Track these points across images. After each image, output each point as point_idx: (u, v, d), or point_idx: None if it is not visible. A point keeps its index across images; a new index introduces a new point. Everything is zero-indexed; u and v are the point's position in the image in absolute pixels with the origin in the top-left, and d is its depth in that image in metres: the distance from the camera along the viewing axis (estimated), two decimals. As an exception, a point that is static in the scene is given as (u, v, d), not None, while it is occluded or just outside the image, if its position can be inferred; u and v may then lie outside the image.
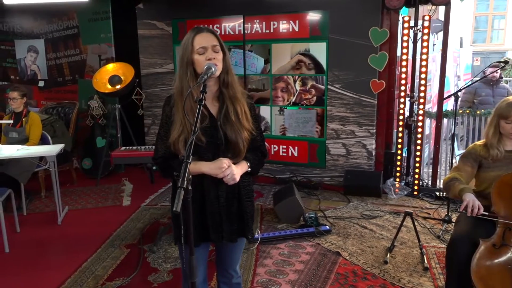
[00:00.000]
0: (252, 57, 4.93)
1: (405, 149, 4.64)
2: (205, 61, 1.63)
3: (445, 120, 4.82)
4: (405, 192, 4.48)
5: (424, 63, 4.25)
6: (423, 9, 4.60)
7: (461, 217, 2.46)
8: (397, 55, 4.49)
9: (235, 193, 1.75)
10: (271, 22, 4.80)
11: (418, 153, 4.46)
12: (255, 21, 4.86)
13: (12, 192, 3.58)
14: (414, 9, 4.29)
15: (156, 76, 5.47)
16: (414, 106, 4.48)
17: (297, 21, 4.69)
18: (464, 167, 2.45)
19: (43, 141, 4.39)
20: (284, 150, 5.02)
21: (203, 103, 1.48)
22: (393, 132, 4.66)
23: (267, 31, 4.83)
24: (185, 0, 5.10)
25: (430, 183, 4.70)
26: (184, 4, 5.12)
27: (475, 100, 5.51)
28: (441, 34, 5.23)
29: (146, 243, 3.41)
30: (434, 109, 5.79)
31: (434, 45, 6.33)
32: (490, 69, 5.52)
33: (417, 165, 4.47)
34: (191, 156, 1.36)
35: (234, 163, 1.69)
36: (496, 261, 2.11)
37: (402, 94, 4.43)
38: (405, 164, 4.65)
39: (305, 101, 4.80)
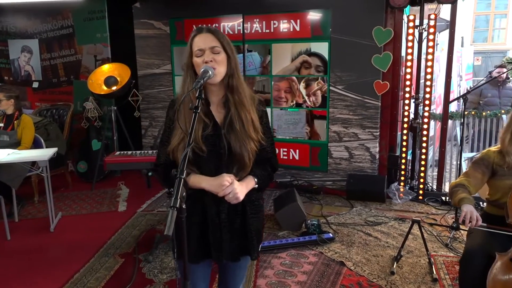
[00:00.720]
0: (247, 55, 4.78)
1: (409, 152, 4.50)
2: (202, 64, 1.49)
3: (449, 122, 4.69)
4: (410, 197, 4.34)
5: (429, 63, 4.11)
6: (426, 8, 4.46)
7: (474, 229, 2.31)
8: (401, 55, 4.35)
9: (238, 209, 1.59)
10: (272, 22, 4.65)
11: (423, 156, 4.31)
12: (255, 20, 4.71)
13: (2, 198, 3.44)
14: (419, 7, 4.15)
15: (153, 77, 5.32)
16: (419, 108, 4.34)
17: (298, 21, 4.55)
18: (474, 173, 2.31)
19: (35, 144, 4.25)
20: (285, 153, 4.88)
21: (198, 111, 1.34)
22: (397, 135, 4.52)
23: (267, 30, 4.69)
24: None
25: (435, 188, 4.56)
26: (182, 3, 4.97)
27: (480, 101, 5.38)
28: (443, 33, 5.13)
29: (142, 252, 3.26)
30: (438, 111, 5.66)
31: (437, 44, 6.20)
32: (497, 70, 5.38)
33: (422, 168, 4.33)
34: (185, 171, 1.21)
35: (239, 179, 1.55)
36: (513, 276, 1.97)
37: (407, 95, 4.28)
38: (410, 167, 4.51)
39: (309, 104, 4.66)
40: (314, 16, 4.46)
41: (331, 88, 4.53)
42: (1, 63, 5.83)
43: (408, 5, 4.10)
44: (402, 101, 4.39)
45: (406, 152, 4.40)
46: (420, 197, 4.35)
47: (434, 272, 2.86)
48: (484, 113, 5.02)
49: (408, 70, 4.22)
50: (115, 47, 5.34)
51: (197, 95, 1.37)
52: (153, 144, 5.46)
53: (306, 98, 4.65)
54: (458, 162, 4.28)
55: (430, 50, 4.09)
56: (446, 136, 4.46)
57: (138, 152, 3.32)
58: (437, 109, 5.81)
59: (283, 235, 3.55)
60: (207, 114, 1.56)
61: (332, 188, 4.68)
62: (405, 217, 3.89)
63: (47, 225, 3.75)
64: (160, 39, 5.18)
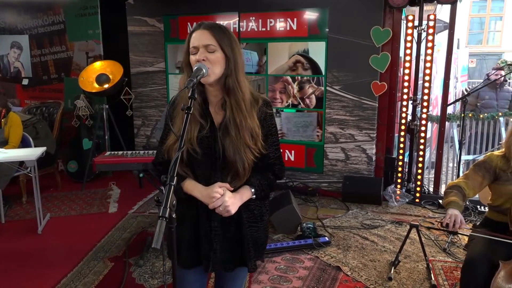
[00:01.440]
0: (246, 52, 4.68)
1: (406, 154, 4.43)
2: (196, 62, 1.40)
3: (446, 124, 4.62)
4: (407, 200, 4.27)
5: (428, 64, 4.04)
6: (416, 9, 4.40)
7: (475, 235, 2.24)
8: (399, 56, 4.28)
9: (233, 217, 1.48)
10: (268, 20, 4.56)
11: (420, 159, 4.25)
12: (250, 18, 4.62)
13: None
14: (415, 8, 4.08)
15: (146, 75, 5.21)
16: (416, 110, 4.28)
17: (295, 19, 4.46)
18: (474, 176, 2.25)
19: (24, 143, 4.13)
20: (280, 154, 4.79)
21: (190, 112, 1.24)
22: (394, 137, 4.45)
23: (264, 29, 4.60)
24: (177, -4, 4.85)
25: (432, 190, 4.50)
26: (176, 0, 4.87)
27: (478, 104, 5.33)
28: (440, 34, 5.06)
29: (132, 256, 3.16)
30: (434, 112, 5.61)
31: (434, 45, 6.14)
32: (495, 72, 5.33)
33: (419, 171, 4.27)
34: (175, 178, 1.11)
35: (234, 188, 1.45)
36: (518, 286, 1.90)
37: (405, 97, 4.21)
38: (407, 170, 4.44)
39: (304, 105, 4.58)
40: (311, 15, 4.38)
41: (327, 88, 4.45)
42: (-10, 59, 5.69)
43: (407, 5, 4.02)
44: (400, 103, 4.32)
45: (403, 154, 4.33)
46: (417, 200, 4.29)
47: (433, 278, 2.78)
48: (481, 116, 4.97)
49: (407, 71, 4.15)
50: (108, 44, 5.23)
51: (189, 94, 1.27)
52: (145, 144, 5.35)
53: (300, 101, 4.57)
54: (457, 165, 4.21)
55: (429, 51, 4.02)
56: (443, 138, 4.41)
57: (129, 152, 3.21)
58: (433, 111, 5.76)
59: (277, 239, 3.46)
60: (204, 114, 1.47)
61: (328, 190, 4.60)
62: (402, 221, 3.82)
63: (35, 227, 3.63)
64: (153, 36, 5.07)
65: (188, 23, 4.86)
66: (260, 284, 2.77)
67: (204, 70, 1.34)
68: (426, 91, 4.11)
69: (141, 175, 2.96)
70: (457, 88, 8.42)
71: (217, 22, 4.83)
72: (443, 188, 4.73)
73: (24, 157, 3.51)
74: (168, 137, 1.50)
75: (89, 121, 5.07)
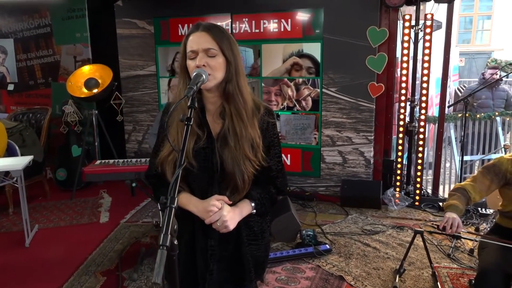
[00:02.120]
0: (241, 50, 4.55)
1: (405, 156, 4.35)
2: (195, 67, 1.28)
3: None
4: (406, 203, 4.18)
5: (426, 64, 3.96)
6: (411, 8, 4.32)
7: (486, 243, 2.15)
8: (396, 56, 4.19)
9: (232, 234, 1.35)
10: (261, 21, 4.45)
11: (419, 161, 4.17)
12: (243, 20, 4.50)
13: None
14: (415, 7, 4.00)
15: (137, 79, 5.06)
16: (415, 111, 4.20)
17: (289, 20, 4.35)
18: (482, 179, 2.17)
19: (9, 152, 3.96)
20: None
21: (191, 122, 1.12)
22: (391, 139, 4.37)
23: (257, 30, 4.48)
24: (167, -3, 4.71)
25: (431, 192, 4.43)
26: (167, 1, 4.73)
27: (474, 103, 5.27)
28: (434, 34, 5.00)
29: (126, 269, 3.02)
30: (430, 113, 5.54)
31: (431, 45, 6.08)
32: (490, 71, 5.29)
33: (418, 173, 4.19)
34: (176, 200, 0.99)
35: (233, 202, 1.33)
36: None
37: (403, 98, 4.13)
38: (405, 172, 4.35)
39: (299, 107, 4.47)
40: (305, 15, 4.28)
41: (323, 90, 4.34)
42: (-27, 64, 5.49)
43: (404, 5, 3.93)
44: (397, 104, 4.24)
45: (402, 157, 4.24)
46: (416, 203, 4.20)
47: (439, 286, 2.69)
48: (478, 115, 4.91)
49: (404, 71, 4.06)
50: (96, 47, 5.07)
51: (189, 103, 1.14)
52: (137, 149, 5.20)
53: (295, 103, 4.47)
54: (459, 166, 4.13)
55: (427, 51, 3.94)
56: (442, 139, 4.34)
57: (120, 161, 3.06)
58: (429, 111, 5.69)
59: (277, 247, 3.34)
60: (201, 123, 1.36)
61: (325, 195, 4.50)
62: (403, 225, 3.73)
63: (22, 239, 3.47)
64: (144, 39, 4.93)
65: (179, 25, 4.72)
66: (261, 297, 2.65)
67: (204, 76, 1.22)
68: (424, 91, 4.03)
69: (133, 184, 2.82)
70: (450, 87, 8.40)
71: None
72: (441, 190, 4.66)
73: (9, 167, 3.35)
74: (162, 148, 1.38)
75: (78, 127, 4.91)
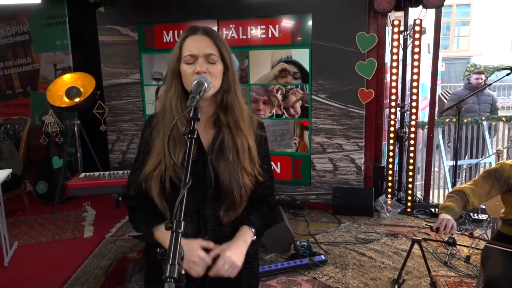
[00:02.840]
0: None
1: (395, 162, 4.31)
2: (193, 74, 1.17)
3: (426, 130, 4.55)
4: (399, 210, 4.14)
5: (415, 70, 3.95)
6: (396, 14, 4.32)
7: (491, 252, 2.09)
8: (385, 61, 4.17)
9: None
10: (248, 27, 4.37)
11: (410, 167, 4.13)
12: (230, 26, 4.42)
13: None
14: (403, 12, 3.99)
15: (120, 87, 4.91)
16: (405, 117, 4.17)
17: (276, 26, 4.29)
18: (482, 183, 2.12)
19: (-14, 165, 3.75)
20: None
21: (195, 136, 1.01)
22: (382, 145, 4.33)
23: (244, 36, 4.40)
24: (152, 3, 4.59)
25: (420, 197, 4.39)
26: (151, 7, 4.60)
27: (462, 108, 5.27)
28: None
29: (113, 287, 2.86)
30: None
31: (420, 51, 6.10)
32: (475, 76, 5.33)
33: (410, 179, 4.15)
34: (182, 223, 0.88)
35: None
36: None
37: (393, 103, 4.10)
38: (397, 178, 4.31)
39: (288, 115, 4.39)
40: (293, 21, 4.22)
41: (313, 97, 4.28)
42: None
43: (392, 10, 3.91)
44: (388, 110, 4.20)
45: (392, 163, 4.20)
46: (409, 210, 4.16)
47: (439, 296, 2.63)
48: (465, 120, 4.93)
49: (394, 77, 4.04)
50: (77, 55, 4.90)
51: (191, 115, 1.04)
52: (121, 160, 5.03)
53: (284, 111, 4.39)
54: (453, 171, 4.11)
55: (416, 57, 3.93)
56: (432, 145, 4.32)
57: (106, 173, 2.92)
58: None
59: (270, 259, 3.24)
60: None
61: (317, 203, 4.42)
62: (397, 233, 3.68)
63: (1, 258, 3.27)
64: (127, 46, 4.79)
65: (164, 32, 4.61)
66: (257, 313, 2.53)
67: (206, 85, 1.12)
68: (414, 97, 4.01)
69: (120, 198, 2.68)
70: (436, 92, 8.48)
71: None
72: (432, 195, 4.64)
73: (-15, 181, 3.16)
74: (145, 163, 1.25)
75: (59, 138, 4.72)
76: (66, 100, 4.46)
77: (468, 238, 3.51)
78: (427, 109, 6.12)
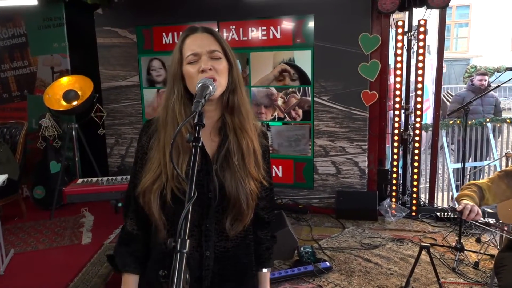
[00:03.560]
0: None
1: (400, 165, 4.23)
2: (197, 73, 1.09)
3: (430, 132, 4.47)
4: (403, 214, 4.06)
5: (420, 71, 3.87)
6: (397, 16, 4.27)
7: (506, 259, 2.01)
8: (388, 63, 4.10)
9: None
10: (249, 29, 4.30)
11: (415, 170, 4.06)
12: (231, 27, 4.34)
13: None
14: (406, 13, 3.92)
15: (119, 90, 4.83)
16: (409, 119, 4.10)
17: (278, 27, 4.22)
18: (498, 182, 2.05)
19: (-19, 170, 3.66)
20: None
21: (200, 143, 0.93)
22: (385, 147, 4.25)
23: (245, 38, 4.33)
24: (151, 5, 4.51)
25: (427, 202, 4.31)
26: (149, 9, 4.53)
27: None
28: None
29: (112, 297, 2.78)
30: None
31: (413, 52, 6.04)
32: (478, 77, 5.26)
33: (415, 183, 4.07)
34: (187, 242, 0.79)
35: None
36: None
37: (397, 106, 4.02)
38: (401, 182, 4.23)
39: (289, 118, 4.32)
40: (295, 22, 4.14)
41: (315, 99, 4.21)
42: None
43: (396, 11, 3.84)
44: (392, 112, 4.13)
45: (397, 166, 4.13)
46: (413, 213, 4.09)
47: (449, 304, 2.55)
48: (470, 122, 4.84)
49: (398, 79, 3.96)
50: (75, 57, 4.81)
51: (196, 120, 0.95)
52: (120, 164, 4.94)
53: (285, 114, 4.31)
54: (461, 174, 4.02)
55: (420, 58, 3.85)
56: (437, 148, 4.24)
57: (104, 179, 2.84)
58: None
59: (274, 266, 3.15)
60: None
61: (320, 207, 4.34)
62: (403, 238, 3.59)
63: (-4, 266, 3.19)
64: (125, 48, 4.71)
65: (163, 34, 4.53)
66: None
67: (211, 88, 1.04)
68: (418, 99, 3.94)
69: (119, 204, 2.60)
70: (435, 94, 8.42)
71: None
72: (436, 199, 4.56)
73: (-19, 188, 3.07)
74: (143, 175, 1.14)
75: (56, 142, 4.63)
76: (64, 103, 4.38)
77: (476, 243, 3.44)
78: (428, 111, 6.08)
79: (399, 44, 3.92)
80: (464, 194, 1.98)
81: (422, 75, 3.88)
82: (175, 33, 4.51)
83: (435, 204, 4.30)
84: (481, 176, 5.09)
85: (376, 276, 2.97)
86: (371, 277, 2.96)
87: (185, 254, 0.78)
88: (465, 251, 3.22)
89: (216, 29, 4.29)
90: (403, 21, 3.88)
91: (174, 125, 1.10)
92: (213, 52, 1.11)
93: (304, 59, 4.17)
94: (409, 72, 4.01)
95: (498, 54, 14.61)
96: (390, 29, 4.02)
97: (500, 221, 2.66)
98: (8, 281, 3.07)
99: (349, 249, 3.41)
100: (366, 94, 4.03)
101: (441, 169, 5.02)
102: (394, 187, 4.16)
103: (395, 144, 4.09)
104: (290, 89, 4.26)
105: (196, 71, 1.09)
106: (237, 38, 4.34)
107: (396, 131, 4.07)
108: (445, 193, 4.90)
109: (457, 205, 1.94)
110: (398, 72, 3.95)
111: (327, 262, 3.09)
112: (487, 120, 4.91)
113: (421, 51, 3.84)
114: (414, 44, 3.91)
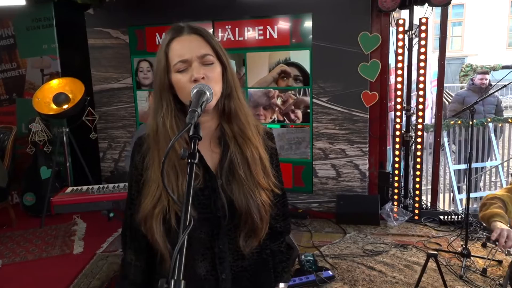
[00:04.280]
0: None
1: (401, 167, 4.12)
2: (189, 83, 0.96)
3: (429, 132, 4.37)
4: (406, 218, 3.95)
5: (422, 71, 3.76)
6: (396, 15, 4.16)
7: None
8: (389, 63, 3.98)
9: None
10: (245, 28, 4.17)
11: (417, 173, 3.95)
12: (226, 27, 4.21)
13: None
14: (407, 11, 3.81)
15: (111, 92, 4.68)
16: (410, 120, 3.99)
17: (275, 27, 4.09)
18: None
19: (-33, 178, 3.50)
20: (265, 174, 4.37)
21: (196, 160, 0.80)
22: (386, 150, 4.14)
23: (241, 38, 4.20)
24: (143, 4, 4.37)
25: (430, 205, 4.20)
26: (142, 9, 4.39)
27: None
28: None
29: (104, 311, 2.64)
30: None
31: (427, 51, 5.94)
32: (479, 76, 5.16)
33: (417, 186, 3.96)
34: (182, 283, 0.66)
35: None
36: None
37: (398, 106, 3.91)
38: (403, 184, 4.12)
39: (288, 120, 4.19)
40: (292, 21, 4.02)
41: (314, 100, 4.09)
42: None
43: (396, 9, 3.73)
44: (393, 113, 4.02)
45: (399, 168, 4.01)
46: (416, 217, 3.97)
47: (458, 315, 2.43)
48: (471, 122, 4.74)
49: (399, 79, 3.85)
50: (66, 59, 4.66)
51: (191, 133, 0.82)
52: (113, 169, 4.80)
53: (284, 117, 4.19)
54: (468, 176, 3.92)
55: (422, 57, 3.74)
56: (439, 149, 4.14)
57: (95, 187, 2.69)
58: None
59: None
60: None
61: (319, 211, 4.22)
62: (406, 243, 3.48)
63: (-17, 279, 3.04)
64: (118, 49, 4.56)
65: (157, 34, 4.39)
66: None
67: (208, 94, 0.91)
68: (420, 99, 3.83)
69: (111, 214, 2.46)
70: (432, 93, 8.33)
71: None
72: (438, 201, 4.45)
73: (-35, 197, 2.92)
74: (142, 200, 1.02)
75: (47, 147, 4.48)
76: (54, 107, 4.23)
77: (482, 248, 3.33)
78: (427, 111, 5.98)
79: (400, 43, 3.80)
80: (495, 214, 1.81)
81: (424, 75, 3.77)
82: (169, 33, 4.37)
83: (438, 207, 4.19)
84: (482, 179, 5.00)
85: (381, 285, 2.85)
86: (376, 286, 2.84)
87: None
88: (471, 257, 3.11)
89: (211, 29, 4.18)
90: (404, 20, 3.76)
91: (167, 141, 0.97)
92: (204, 56, 0.99)
93: (302, 59, 4.05)
94: (411, 72, 3.89)
95: (493, 53, 14.57)
96: (390, 27, 3.91)
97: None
98: (-5, 295, 2.93)
99: (351, 256, 3.29)
100: (366, 95, 3.91)
101: (441, 170, 4.93)
102: (396, 190, 4.05)
103: (397, 146, 3.98)
104: (289, 92, 4.14)
105: (187, 80, 0.97)
106: (232, 38, 4.21)
107: (397, 133, 3.96)
108: (446, 195, 4.79)
109: (480, 220, 1.80)
110: (399, 71, 3.84)
111: (329, 271, 2.97)
112: (489, 120, 4.82)
113: (422, 50, 3.73)
114: (415, 43, 3.80)
